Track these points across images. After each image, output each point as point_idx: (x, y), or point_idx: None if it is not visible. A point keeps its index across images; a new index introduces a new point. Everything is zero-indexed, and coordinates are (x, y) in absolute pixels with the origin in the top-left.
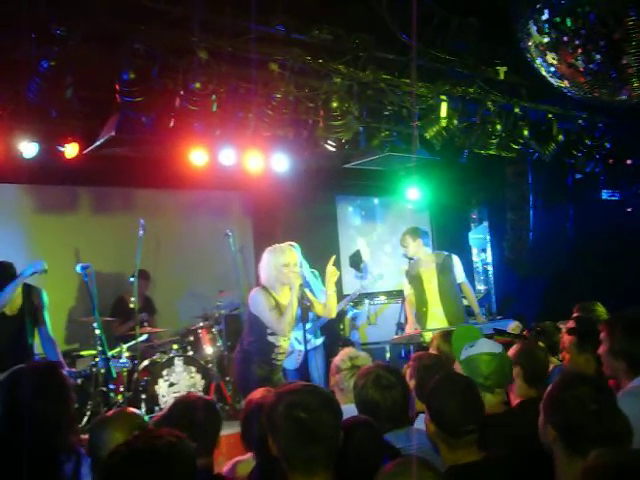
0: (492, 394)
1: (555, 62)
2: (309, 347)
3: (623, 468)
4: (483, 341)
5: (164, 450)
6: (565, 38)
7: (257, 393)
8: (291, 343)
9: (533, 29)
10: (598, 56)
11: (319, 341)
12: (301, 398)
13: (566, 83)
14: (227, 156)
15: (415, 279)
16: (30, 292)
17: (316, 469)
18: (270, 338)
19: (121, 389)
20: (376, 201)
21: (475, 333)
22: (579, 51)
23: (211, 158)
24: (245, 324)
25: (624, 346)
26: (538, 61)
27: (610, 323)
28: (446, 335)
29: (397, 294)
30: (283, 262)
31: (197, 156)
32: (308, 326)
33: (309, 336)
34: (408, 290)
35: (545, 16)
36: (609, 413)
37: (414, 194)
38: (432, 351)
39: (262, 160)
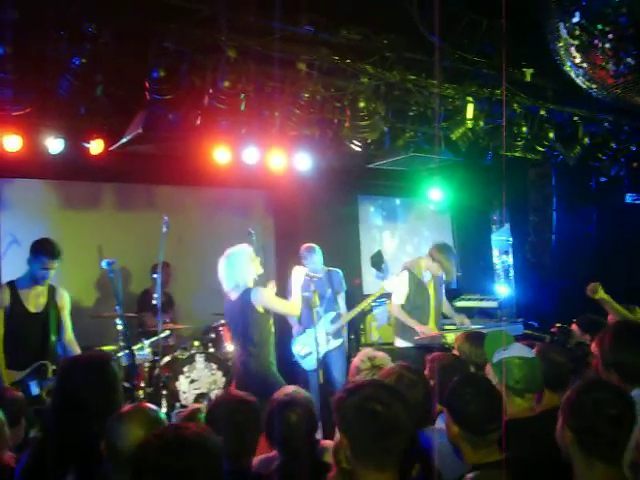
0: (522, 398)
1: (585, 64)
2: (328, 348)
3: None
4: (516, 345)
5: (193, 440)
6: (596, 41)
7: (280, 392)
8: (310, 344)
9: (563, 31)
10: (629, 59)
11: (339, 342)
12: (373, 392)
13: (595, 85)
14: (250, 154)
15: (424, 289)
16: (54, 292)
17: (388, 464)
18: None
19: (142, 385)
20: (398, 202)
21: (507, 338)
22: (609, 54)
23: (234, 156)
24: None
25: (613, 358)
26: (567, 63)
27: (599, 336)
28: (468, 336)
29: None
30: (252, 258)
31: (221, 154)
32: (330, 327)
33: (328, 337)
34: (402, 299)
35: (576, 19)
36: (628, 419)
37: (436, 195)
38: (455, 351)
39: (285, 159)
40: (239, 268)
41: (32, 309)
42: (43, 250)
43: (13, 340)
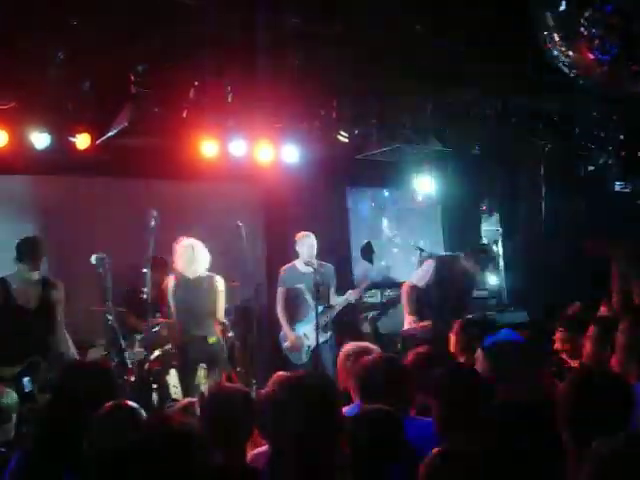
0: (513, 383)
1: (571, 53)
2: (319, 341)
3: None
4: (505, 331)
5: (179, 431)
6: (582, 29)
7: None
8: (299, 337)
9: (549, 20)
10: (615, 48)
11: (327, 335)
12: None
13: (581, 74)
14: (238, 147)
15: None
16: (49, 286)
17: None
18: None
19: (132, 379)
20: (387, 193)
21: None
22: (595, 42)
23: (222, 149)
24: None
25: None
26: (554, 52)
27: (626, 324)
28: (464, 325)
29: None
30: None
31: (208, 147)
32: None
33: (319, 330)
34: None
35: (562, 7)
36: (618, 408)
37: (425, 185)
38: (452, 339)
39: (273, 151)
40: None
41: (24, 305)
42: (27, 251)
43: (5, 336)
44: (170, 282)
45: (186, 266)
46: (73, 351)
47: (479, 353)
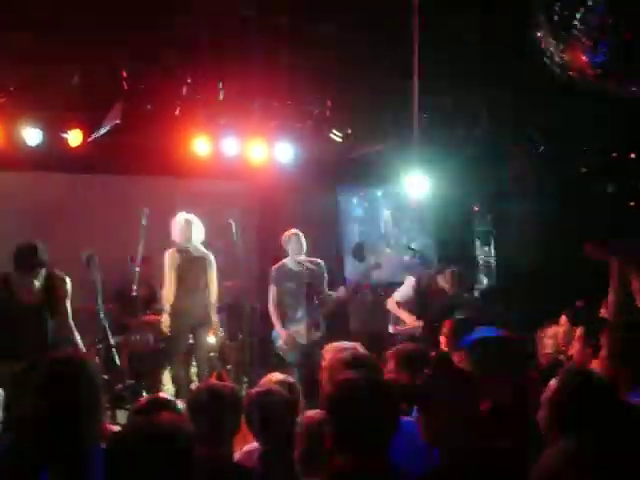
0: (498, 380)
1: (564, 54)
2: (311, 339)
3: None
4: (483, 329)
5: (164, 426)
6: (574, 31)
7: (262, 383)
8: (292, 335)
9: (542, 20)
10: (607, 50)
11: (318, 334)
12: (351, 383)
13: (574, 75)
14: (230, 145)
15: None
16: (53, 281)
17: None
18: None
19: (122, 377)
20: (379, 192)
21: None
22: (588, 44)
23: (214, 147)
24: None
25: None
26: (548, 53)
27: (609, 325)
28: (455, 323)
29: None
30: None
31: (201, 145)
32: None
33: (310, 328)
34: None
35: (555, 8)
36: (605, 409)
37: (417, 185)
38: (442, 339)
39: (265, 150)
40: None
41: (26, 300)
42: (23, 260)
43: (7, 333)
44: (170, 254)
45: (184, 239)
46: (81, 347)
47: (461, 352)
